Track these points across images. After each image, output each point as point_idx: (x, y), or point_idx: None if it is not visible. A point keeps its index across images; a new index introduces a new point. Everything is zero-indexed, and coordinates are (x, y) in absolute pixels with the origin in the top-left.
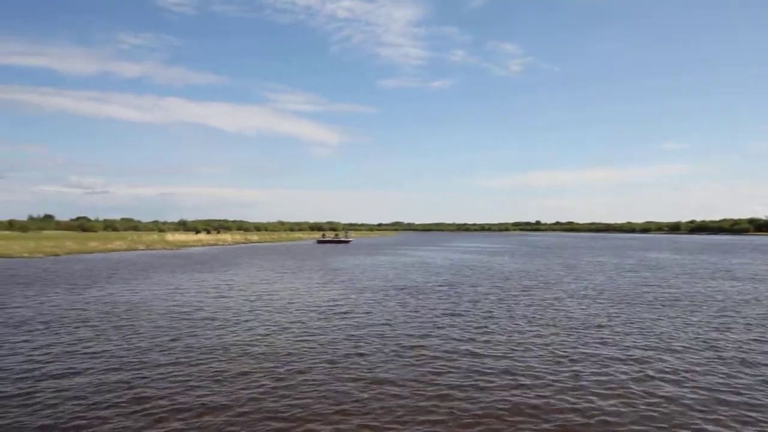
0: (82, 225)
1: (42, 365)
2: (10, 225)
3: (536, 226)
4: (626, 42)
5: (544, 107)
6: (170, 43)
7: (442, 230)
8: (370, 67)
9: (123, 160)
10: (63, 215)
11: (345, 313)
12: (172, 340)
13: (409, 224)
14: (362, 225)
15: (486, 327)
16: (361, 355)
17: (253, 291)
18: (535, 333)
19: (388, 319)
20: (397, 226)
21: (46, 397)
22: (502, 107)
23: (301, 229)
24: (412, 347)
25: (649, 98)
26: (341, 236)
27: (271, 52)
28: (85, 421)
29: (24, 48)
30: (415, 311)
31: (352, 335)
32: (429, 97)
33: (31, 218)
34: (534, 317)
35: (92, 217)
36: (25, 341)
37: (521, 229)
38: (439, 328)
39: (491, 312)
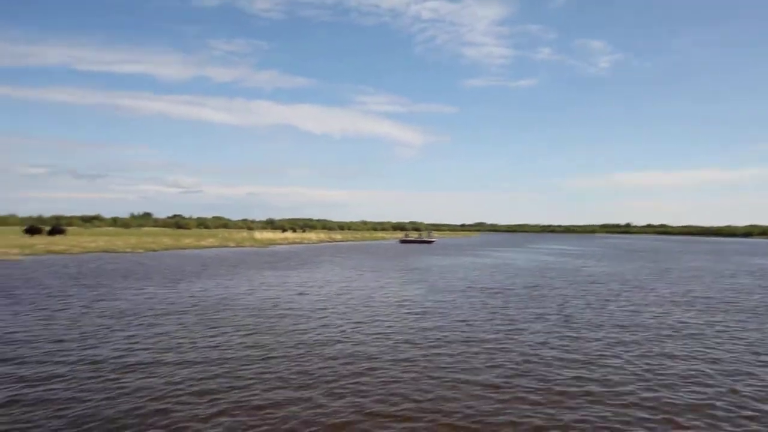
0: (177, 222)
1: (129, 354)
2: (114, 222)
3: (626, 229)
4: (722, 37)
5: (634, 105)
6: (260, 48)
7: (526, 231)
8: (454, 67)
9: (215, 160)
10: (160, 213)
11: (425, 312)
12: (253, 333)
13: (492, 225)
14: (445, 225)
15: (568, 332)
16: (439, 355)
17: (336, 288)
18: (619, 340)
19: (468, 320)
20: (480, 227)
21: (129, 384)
22: (589, 105)
23: (383, 229)
24: (491, 349)
25: (748, 96)
26: (424, 236)
27: (357, 54)
28: (164, 406)
29: (125, 56)
30: (497, 312)
31: (432, 334)
32: (513, 96)
33: (132, 216)
34: (621, 324)
35: (186, 215)
36: (119, 330)
37: (609, 232)
38: (520, 330)
39: (573, 316)
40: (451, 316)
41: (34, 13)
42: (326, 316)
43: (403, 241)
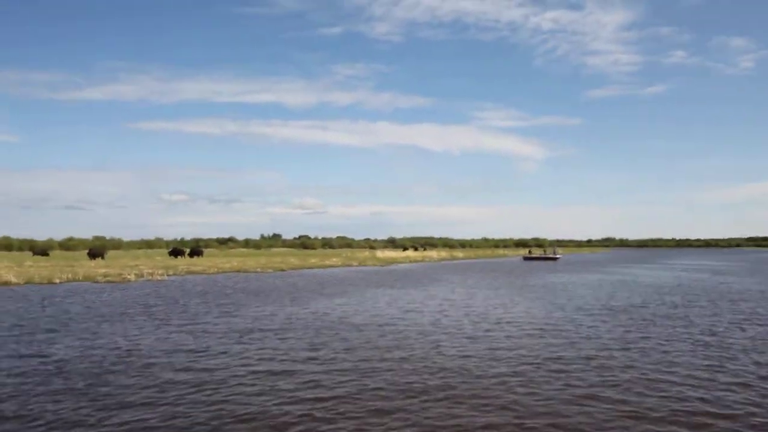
0: (303, 243)
1: (244, 367)
2: (246, 243)
3: None
4: None
5: None
6: (379, 70)
7: (659, 246)
8: (577, 77)
9: (339, 181)
10: (288, 234)
11: (546, 331)
12: (359, 348)
13: (621, 240)
14: (570, 241)
15: (708, 363)
16: (557, 376)
17: (457, 306)
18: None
19: (592, 343)
20: (608, 242)
21: (240, 395)
22: (729, 109)
23: (505, 246)
24: (615, 374)
25: None
26: (548, 252)
27: (475, 70)
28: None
29: (256, 86)
30: (626, 336)
31: (552, 356)
32: (643, 104)
33: (262, 237)
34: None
35: (312, 236)
36: (245, 345)
37: (757, 245)
38: (646, 355)
39: (713, 344)
40: (576, 337)
41: (174, 52)
42: (445, 333)
43: (527, 258)
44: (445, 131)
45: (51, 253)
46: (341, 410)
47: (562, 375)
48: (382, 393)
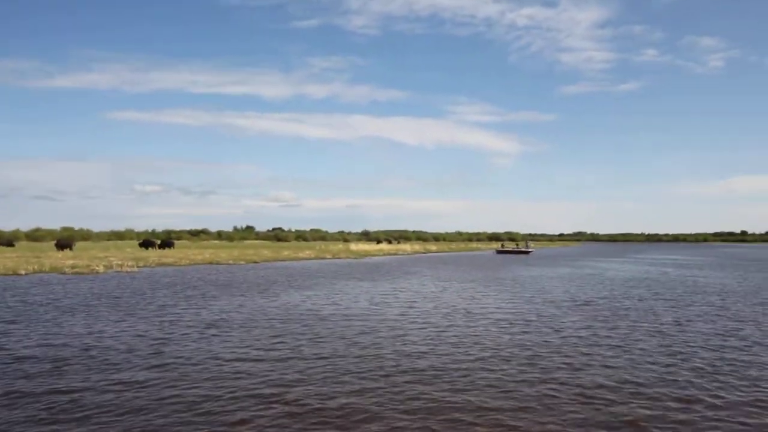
0: (277, 235)
1: (209, 359)
2: (219, 235)
3: (742, 237)
4: None
5: (750, 104)
6: (356, 63)
7: (630, 241)
8: (551, 73)
9: (314, 174)
10: (262, 226)
11: (513, 323)
12: (325, 340)
13: (592, 234)
14: (542, 235)
15: (667, 352)
16: (519, 363)
17: (428, 298)
18: (736, 371)
19: (556, 334)
20: (579, 237)
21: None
22: (698, 107)
23: (479, 240)
24: (582, 368)
25: None
26: (521, 246)
27: (451, 65)
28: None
29: (233, 78)
30: (595, 329)
31: (525, 349)
32: (615, 101)
33: (235, 229)
34: (741, 347)
35: (286, 228)
36: (210, 337)
37: (723, 240)
38: (617, 348)
39: (673, 333)
40: (539, 329)
41: (151, 42)
42: (417, 328)
43: (500, 252)
44: (421, 125)
45: (17, 243)
46: (305, 399)
47: (524, 363)
48: (345, 379)
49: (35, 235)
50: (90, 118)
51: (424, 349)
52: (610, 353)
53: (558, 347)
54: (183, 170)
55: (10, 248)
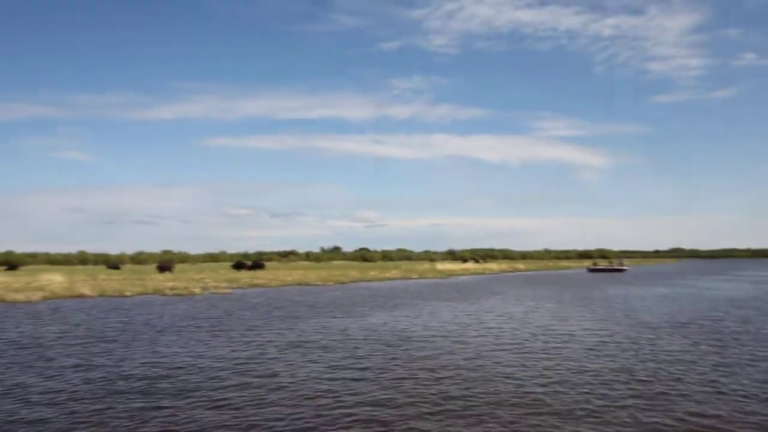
0: (363, 255)
1: (300, 382)
2: (307, 256)
3: None
4: None
5: None
6: (437, 83)
7: (733, 257)
8: (640, 83)
9: (397, 194)
10: (348, 246)
11: (607, 345)
12: (413, 361)
13: (691, 251)
14: (636, 252)
15: None
16: (634, 392)
17: (520, 320)
18: None
19: (661, 359)
20: (677, 253)
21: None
22: None
23: (567, 258)
24: (689, 396)
25: None
26: (614, 264)
27: (533, 80)
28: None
29: (318, 102)
30: (699, 354)
31: (627, 374)
32: (711, 108)
33: (322, 250)
34: None
35: (371, 248)
36: (303, 357)
37: None
38: (723, 374)
39: None
40: (630, 352)
41: (238, 71)
42: (501, 350)
43: (592, 270)
44: (504, 142)
45: (122, 266)
46: (393, 420)
47: (626, 389)
48: (434, 401)
49: (139, 258)
50: (186, 145)
51: (521, 373)
52: (719, 378)
53: (661, 373)
54: (271, 193)
55: (116, 271)
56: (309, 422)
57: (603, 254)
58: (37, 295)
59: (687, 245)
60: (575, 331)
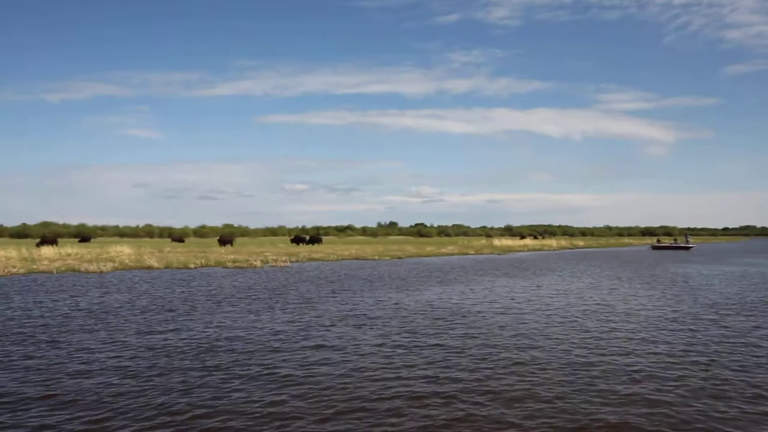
0: (419, 231)
1: (341, 357)
2: (363, 231)
3: None
4: None
5: None
6: (496, 55)
7: None
8: (713, 53)
9: (455, 169)
10: (404, 222)
11: (672, 326)
12: (467, 337)
13: (762, 228)
14: (702, 229)
15: None
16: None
17: (583, 298)
18: None
19: (721, 344)
20: (747, 231)
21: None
22: None
23: (630, 234)
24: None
25: None
26: (680, 241)
27: (598, 51)
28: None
29: (375, 77)
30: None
31: (692, 360)
32: None
33: (379, 225)
34: None
35: (428, 224)
36: (339, 334)
37: None
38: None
39: None
40: (694, 335)
41: (298, 48)
42: (563, 328)
43: (655, 247)
44: (565, 116)
45: (186, 239)
46: (456, 396)
47: (680, 371)
48: (495, 379)
49: (201, 232)
50: (245, 122)
51: (587, 355)
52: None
53: (736, 353)
54: (328, 169)
55: (181, 244)
56: (359, 387)
57: (667, 231)
58: (107, 266)
59: (758, 223)
60: (636, 309)
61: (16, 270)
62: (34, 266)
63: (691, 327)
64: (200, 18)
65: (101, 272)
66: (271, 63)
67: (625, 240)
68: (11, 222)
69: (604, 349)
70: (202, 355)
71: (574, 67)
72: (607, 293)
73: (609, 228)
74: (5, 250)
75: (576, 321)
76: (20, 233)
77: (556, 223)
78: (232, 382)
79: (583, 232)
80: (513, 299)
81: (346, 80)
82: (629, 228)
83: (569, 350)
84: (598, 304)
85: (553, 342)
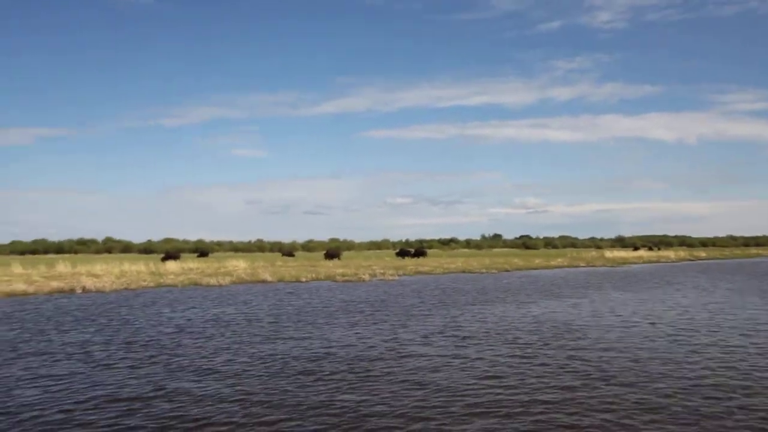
0: (525, 243)
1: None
2: (467, 244)
3: None
4: None
5: None
6: (602, 61)
7: None
8: None
9: (560, 179)
10: (508, 234)
11: None
12: (584, 359)
13: None
14: None
15: None
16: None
17: (703, 314)
18: None
19: None
20: None
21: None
22: None
23: (757, 244)
24: None
25: None
26: None
27: (715, 50)
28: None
29: (474, 89)
30: None
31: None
32: None
33: (482, 237)
34: None
35: (533, 235)
36: (438, 349)
37: None
38: None
39: None
40: None
41: (396, 63)
42: (673, 345)
43: None
44: (679, 119)
45: (295, 254)
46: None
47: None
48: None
49: (309, 246)
50: (348, 138)
51: (690, 373)
52: None
53: None
54: (430, 182)
55: (291, 258)
56: (465, 400)
57: None
58: (225, 280)
59: None
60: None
61: (146, 284)
62: (161, 280)
63: None
64: (298, 38)
65: (221, 285)
66: (372, 79)
67: (753, 250)
68: (138, 239)
69: (719, 373)
70: (314, 369)
71: (688, 68)
72: (739, 311)
73: (733, 237)
74: (136, 264)
75: (732, 342)
76: (147, 249)
77: (672, 233)
78: (340, 392)
79: (704, 243)
80: (633, 315)
81: (446, 93)
82: (756, 237)
83: (690, 372)
84: (727, 323)
85: (677, 367)
